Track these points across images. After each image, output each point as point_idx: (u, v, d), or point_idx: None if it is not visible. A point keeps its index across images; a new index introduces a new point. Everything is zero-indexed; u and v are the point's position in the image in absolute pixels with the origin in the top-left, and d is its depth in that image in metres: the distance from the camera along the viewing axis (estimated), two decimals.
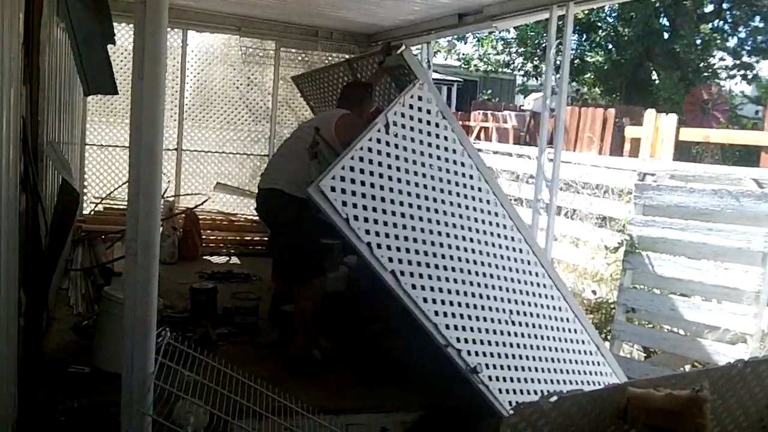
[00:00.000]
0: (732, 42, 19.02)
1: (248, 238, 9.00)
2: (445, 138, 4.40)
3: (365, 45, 9.82)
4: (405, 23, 8.62)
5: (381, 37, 9.42)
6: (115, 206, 9.19)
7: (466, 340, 4.12)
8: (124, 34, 8.64)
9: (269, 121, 10.39)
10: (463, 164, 4.46)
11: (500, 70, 22.90)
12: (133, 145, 2.97)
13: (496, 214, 4.57)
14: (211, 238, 9.05)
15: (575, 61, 19.21)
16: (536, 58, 19.96)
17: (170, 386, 2.98)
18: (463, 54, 23.94)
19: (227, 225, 9.55)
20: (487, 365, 4.14)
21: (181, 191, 10.03)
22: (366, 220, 3.91)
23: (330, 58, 9.81)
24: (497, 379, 4.17)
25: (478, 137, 13.75)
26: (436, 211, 4.25)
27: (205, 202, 9.38)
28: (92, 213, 9.35)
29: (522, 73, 22.61)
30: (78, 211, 8.32)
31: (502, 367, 4.23)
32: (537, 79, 20.73)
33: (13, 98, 3.53)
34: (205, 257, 8.56)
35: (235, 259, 8.67)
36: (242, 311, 5.82)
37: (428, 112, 4.33)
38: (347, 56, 8.60)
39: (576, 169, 9.16)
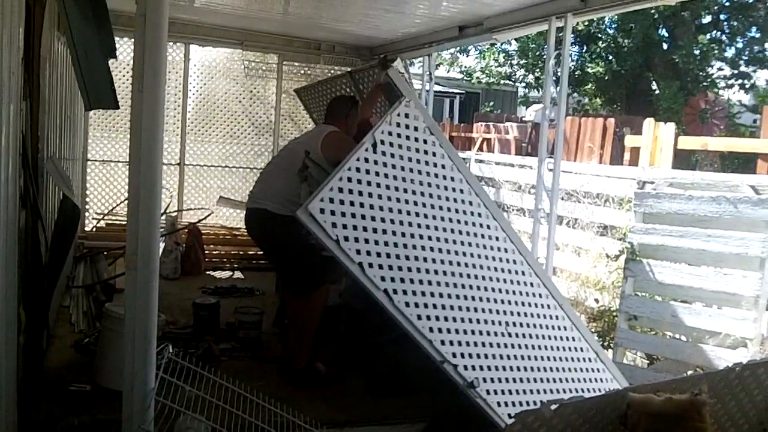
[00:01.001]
0: (730, 52, 19.00)
1: (251, 252, 8.95)
2: (434, 154, 4.41)
3: (368, 58, 9.82)
4: (406, 36, 8.62)
5: (383, 49, 9.42)
6: (117, 222, 9.17)
7: (462, 355, 4.09)
8: (126, 48, 8.63)
9: (272, 135, 10.38)
10: (452, 179, 4.46)
11: (502, 81, 22.89)
12: (133, 157, 2.95)
13: (488, 227, 4.56)
14: (214, 252, 9.03)
15: (576, 72, 19.20)
16: (537, 70, 19.90)
17: (172, 402, 2.94)
18: (466, 66, 23.96)
19: (230, 239, 9.52)
20: (484, 379, 4.11)
21: (183, 206, 10.02)
22: (356, 240, 3.89)
23: (332, 71, 9.80)
24: (495, 392, 4.13)
25: (480, 148, 13.75)
26: (428, 227, 4.24)
27: (208, 216, 9.35)
28: (94, 229, 9.34)
29: (524, 84, 22.60)
30: (79, 228, 8.31)
31: (500, 380, 4.20)
32: (538, 90, 20.70)
33: (13, 114, 3.50)
34: (208, 272, 8.54)
35: (238, 274, 8.65)
36: (246, 326, 5.78)
37: (416, 129, 4.34)
38: (349, 68, 8.59)
39: (577, 179, 9.15)
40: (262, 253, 7.74)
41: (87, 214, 9.62)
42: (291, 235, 4.71)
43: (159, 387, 3.05)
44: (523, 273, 4.66)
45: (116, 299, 5.66)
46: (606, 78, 19.39)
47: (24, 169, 3.93)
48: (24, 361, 4.15)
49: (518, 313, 4.51)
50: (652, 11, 16.69)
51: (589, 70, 19.31)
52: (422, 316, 4.02)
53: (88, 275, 7.41)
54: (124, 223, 3.06)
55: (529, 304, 4.61)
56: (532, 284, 4.68)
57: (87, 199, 9.67)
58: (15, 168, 3.61)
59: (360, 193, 3.98)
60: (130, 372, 3.01)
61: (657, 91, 18.67)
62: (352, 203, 3.93)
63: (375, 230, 3.99)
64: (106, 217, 9.56)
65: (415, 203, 4.23)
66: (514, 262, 4.63)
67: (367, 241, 3.93)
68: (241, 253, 9.10)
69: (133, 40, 3.18)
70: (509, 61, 21.92)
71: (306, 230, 3.81)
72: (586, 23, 18.04)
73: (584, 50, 19.70)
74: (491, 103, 24.88)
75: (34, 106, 4.25)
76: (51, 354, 5.13)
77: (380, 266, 3.94)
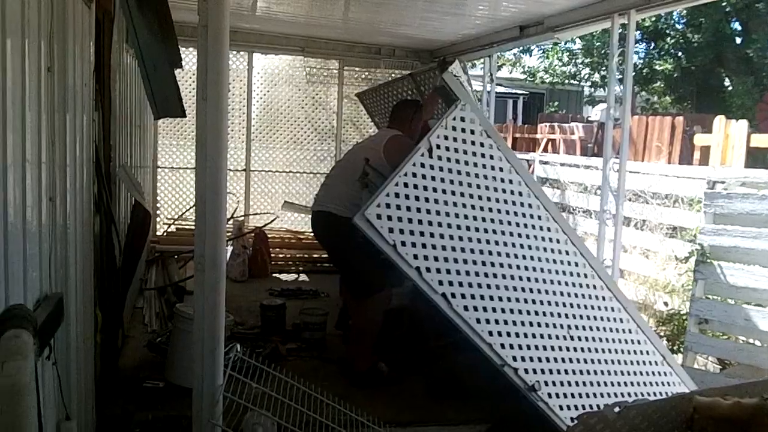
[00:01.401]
0: None
1: (316, 255, 9.07)
2: (491, 156, 4.41)
3: (428, 61, 9.86)
4: (467, 37, 8.64)
5: (443, 52, 9.46)
6: (187, 227, 9.38)
7: (522, 359, 4.09)
8: (191, 58, 8.86)
9: (334, 140, 10.50)
10: (510, 181, 4.47)
11: (567, 81, 22.68)
12: (199, 163, 3.07)
13: (549, 229, 4.55)
14: (280, 256, 9.18)
15: (643, 70, 18.91)
16: (603, 68, 19.66)
17: (239, 398, 3.04)
18: (529, 67, 23.81)
19: (295, 243, 9.66)
20: (546, 382, 4.09)
21: (250, 211, 10.20)
22: (414, 244, 3.93)
23: (393, 75, 9.86)
24: (557, 395, 4.12)
25: (545, 150, 13.65)
26: (485, 230, 4.25)
27: (273, 221, 9.52)
28: (165, 234, 9.58)
29: (589, 84, 22.37)
30: (151, 232, 8.54)
31: (562, 383, 4.18)
32: (604, 89, 20.43)
33: (86, 124, 3.67)
34: (274, 275, 8.68)
35: (303, 277, 8.77)
36: (311, 327, 5.89)
37: (472, 132, 4.35)
38: (411, 71, 8.63)
39: (644, 179, 9.01)
40: (326, 256, 7.88)
41: (158, 219, 9.87)
42: (354, 238, 4.80)
43: (227, 384, 3.16)
44: (586, 275, 4.63)
45: (187, 300, 5.83)
46: (675, 75, 19.04)
47: (97, 176, 4.10)
48: (101, 360, 4.33)
49: (580, 316, 4.49)
50: (724, 4, 16.30)
51: (657, 67, 18.97)
52: (481, 320, 4.04)
53: (160, 278, 7.62)
54: (194, 227, 3.18)
55: (592, 307, 4.58)
56: (594, 287, 4.65)
57: (158, 205, 9.92)
58: (89, 176, 3.78)
59: (416, 198, 4.03)
60: (200, 369, 3.13)
61: (729, 88, 18.26)
62: (408, 208, 3.98)
63: (432, 234, 4.03)
64: (176, 222, 9.80)
65: (473, 207, 4.25)
66: (576, 264, 4.62)
67: (424, 245, 3.97)
68: (306, 256, 9.23)
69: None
70: (574, 60, 21.70)
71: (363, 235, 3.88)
72: (653, 19, 17.72)
73: (652, 47, 19.36)
74: (556, 104, 24.65)
75: (105, 116, 4.43)
76: (126, 353, 5.32)
77: (438, 270, 3.98)
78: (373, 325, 5.15)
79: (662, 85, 19.94)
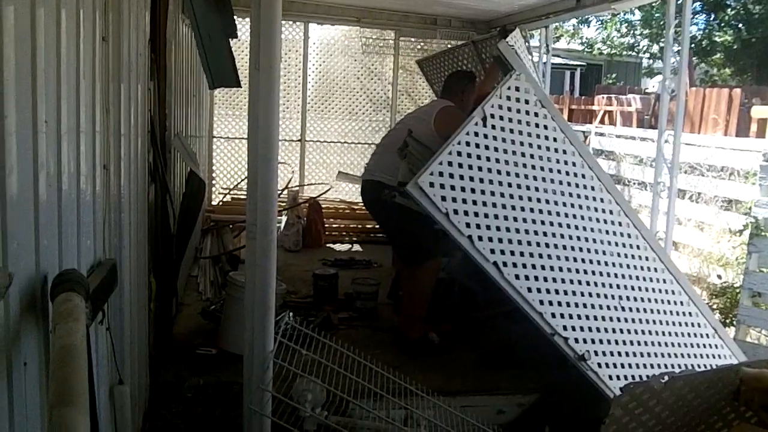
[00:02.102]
0: None
1: (369, 226, 9.09)
2: (545, 127, 4.37)
3: (484, 31, 9.75)
4: (523, 8, 8.52)
5: (499, 23, 9.35)
6: (242, 197, 9.48)
7: (573, 328, 4.09)
8: (247, 29, 8.87)
9: (389, 111, 10.48)
10: (564, 152, 4.42)
11: (625, 53, 22.29)
12: (251, 131, 3.09)
13: (602, 200, 4.50)
14: (334, 226, 9.22)
15: (703, 42, 18.50)
16: (662, 40, 19.21)
17: (290, 365, 3.07)
18: (587, 38, 23.43)
19: (349, 213, 9.70)
20: (596, 352, 4.09)
21: (304, 181, 10.26)
22: (466, 213, 3.93)
23: (448, 46, 9.80)
24: (607, 365, 4.11)
25: (602, 121, 13.47)
26: (538, 200, 4.22)
27: (327, 191, 9.57)
28: (220, 203, 9.70)
29: (647, 55, 21.97)
30: (206, 202, 8.65)
31: (612, 354, 4.17)
32: (663, 61, 20.10)
33: (141, 93, 3.71)
34: (328, 245, 8.74)
35: (356, 247, 8.82)
36: (363, 296, 5.92)
37: (526, 102, 4.31)
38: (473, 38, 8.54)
39: (700, 152, 8.88)
40: (379, 226, 7.91)
41: (213, 189, 9.99)
42: (403, 207, 4.80)
43: (278, 351, 3.19)
44: (638, 247, 4.58)
45: (241, 269, 5.89)
46: (735, 47, 18.59)
47: (152, 145, 4.15)
48: (154, 327, 4.42)
49: (632, 287, 4.45)
50: None
51: (717, 39, 18.55)
52: (532, 289, 4.03)
53: (214, 247, 7.73)
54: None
55: (644, 278, 4.54)
56: (647, 258, 4.60)
57: (213, 175, 10.03)
58: (144, 144, 3.84)
59: (470, 167, 4.01)
60: (251, 336, 3.17)
61: None
62: (461, 177, 3.97)
63: (485, 203, 4.02)
64: (231, 192, 9.91)
65: (526, 176, 4.22)
66: (629, 236, 4.57)
67: (476, 214, 3.97)
68: (359, 226, 9.26)
69: None
70: (632, 32, 21.32)
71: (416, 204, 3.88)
72: None
73: (712, 18, 18.93)
74: (613, 75, 24.26)
75: (161, 86, 4.47)
76: (180, 320, 5.42)
77: (490, 239, 3.97)
78: (424, 293, 5.15)
79: (722, 57, 19.48)
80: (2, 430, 1.64)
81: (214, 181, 10.02)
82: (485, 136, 4.10)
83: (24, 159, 1.80)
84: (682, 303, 4.65)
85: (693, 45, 17.07)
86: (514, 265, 4.00)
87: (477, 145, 4.07)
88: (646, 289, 4.51)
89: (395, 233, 5.49)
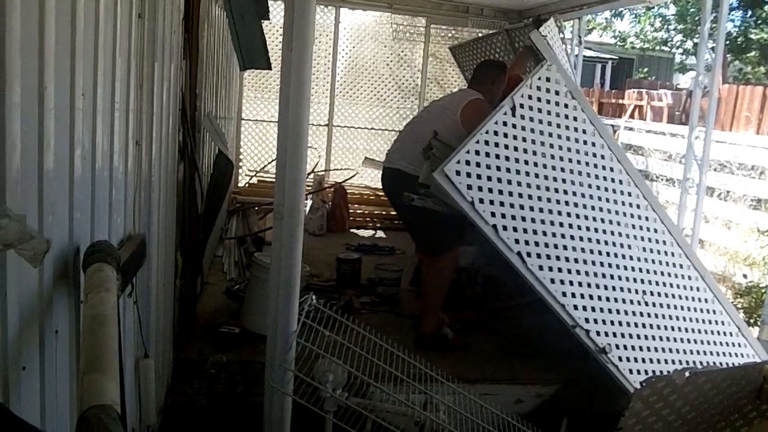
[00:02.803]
0: None
1: (393, 213, 9.05)
2: (575, 118, 4.35)
3: (516, 21, 9.70)
4: None
5: (532, 13, 9.27)
6: (269, 179, 9.52)
7: (595, 321, 4.09)
8: (279, 10, 8.90)
9: (417, 98, 10.47)
10: (593, 144, 4.40)
11: (657, 47, 22.09)
12: (282, 113, 3.11)
13: (629, 194, 4.48)
14: (358, 212, 9.24)
15: (738, 39, 18.27)
16: (696, 36, 19.05)
17: (312, 346, 3.10)
18: (619, 31, 23.25)
19: (374, 199, 9.71)
20: (617, 345, 4.09)
21: (331, 166, 10.29)
22: (491, 202, 3.93)
23: (480, 35, 9.77)
24: (628, 359, 4.12)
25: (632, 116, 13.40)
26: (564, 191, 4.21)
27: (353, 176, 9.58)
28: (247, 185, 9.74)
29: (681, 51, 21.76)
30: (233, 183, 8.70)
31: (633, 348, 4.17)
32: (696, 57, 19.89)
33: (173, 71, 3.75)
34: (351, 230, 8.75)
35: (380, 233, 8.82)
36: (385, 282, 5.95)
37: (557, 93, 4.29)
38: (506, 26, 8.50)
39: (731, 149, 8.80)
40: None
41: (241, 170, 10.04)
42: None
43: (301, 331, 3.22)
44: (664, 242, 4.57)
45: (265, 250, 5.93)
46: None
47: (182, 124, 4.19)
48: (179, 304, 4.47)
49: (656, 282, 4.44)
50: None
51: (752, 36, 18.31)
52: (555, 280, 4.04)
53: (240, 228, 7.77)
54: (274, 179, 3.23)
55: (669, 274, 4.52)
56: (673, 254, 4.58)
57: (241, 157, 10.08)
58: (174, 123, 3.87)
59: (497, 156, 4.01)
60: (275, 315, 3.20)
61: None
62: (488, 166, 3.97)
63: (510, 193, 4.02)
64: (258, 174, 9.95)
65: (553, 168, 4.21)
66: (655, 231, 4.55)
67: (502, 203, 3.97)
68: (383, 213, 9.26)
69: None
70: (666, 26, 21.12)
71: (436, 193, 3.87)
72: None
73: (749, 15, 18.68)
74: (645, 70, 24.05)
75: (192, 65, 4.50)
76: (204, 299, 5.47)
77: (515, 229, 3.98)
78: (442, 285, 5.12)
79: (757, 55, 19.23)
80: (33, 393, 1.68)
81: (241, 163, 10.06)
82: (513, 126, 4.10)
83: (61, 135, 1.84)
84: (706, 300, 4.64)
85: (728, 42, 16.87)
86: (538, 255, 4.00)
87: (505, 135, 4.07)
88: (671, 285, 4.50)
89: (413, 225, 5.44)
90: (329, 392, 3.10)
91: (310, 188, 8.48)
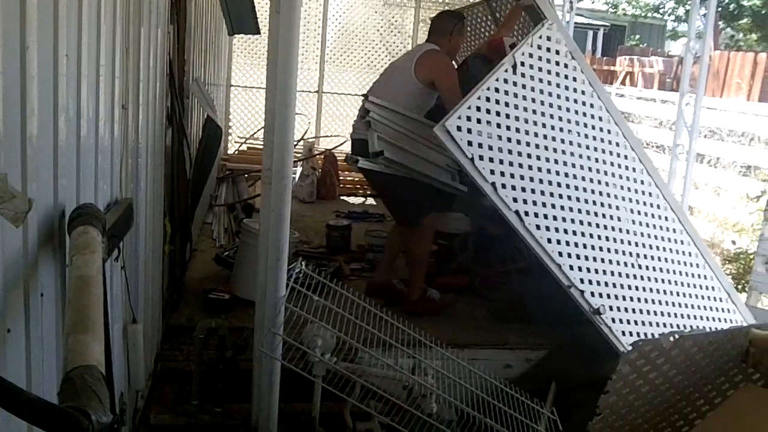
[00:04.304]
0: None
1: None
2: (574, 79, 4.32)
3: None
4: None
5: None
6: (258, 146, 9.48)
7: (590, 281, 4.08)
8: None
9: None
10: (592, 105, 4.37)
11: (650, 14, 22.01)
12: (270, 75, 3.08)
13: (626, 157, 4.47)
14: (348, 179, 9.23)
15: (730, 6, 18.22)
16: (688, 2, 18.97)
17: (300, 311, 3.10)
18: None
19: None
20: (611, 307, 4.09)
21: (321, 133, 10.25)
22: (491, 160, 3.89)
23: (471, 1, 9.69)
24: (621, 321, 4.12)
25: (623, 83, 13.39)
26: (563, 152, 4.19)
27: (343, 143, 9.54)
28: (236, 152, 9.71)
29: (672, 17, 21.69)
30: (222, 150, 8.66)
31: (626, 310, 4.17)
32: (688, 23, 19.80)
33: (160, 36, 3.71)
34: (342, 197, 8.75)
35: (370, 200, 8.80)
36: (375, 249, 5.96)
37: (557, 52, 4.26)
38: None
39: (721, 116, 8.80)
40: None
41: (230, 137, 9.99)
42: (387, 172, 4.70)
43: (289, 297, 3.22)
44: (659, 206, 4.57)
45: (255, 218, 5.92)
46: (763, 12, 18.29)
47: (170, 89, 4.15)
48: (169, 270, 4.46)
49: (650, 246, 4.45)
50: None
51: (744, 2, 18.25)
52: (552, 240, 4.02)
53: (229, 195, 7.76)
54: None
55: (662, 238, 4.53)
56: (666, 218, 4.59)
57: (230, 124, 10.03)
58: (162, 88, 3.84)
59: (497, 114, 3.97)
60: (263, 280, 3.19)
61: None
62: (488, 123, 3.92)
63: (510, 151, 3.98)
64: (247, 141, 9.91)
65: (552, 127, 4.18)
66: (650, 194, 4.55)
67: (501, 161, 3.93)
68: None
69: None
70: None
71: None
72: None
73: None
74: (637, 37, 23.97)
75: (180, 30, 4.45)
76: (193, 265, 5.46)
77: (513, 187, 3.95)
78: (422, 253, 5.04)
79: (749, 22, 19.18)
80: (18, 355, 1.68)
81: (230, 130, 10.02)
82: (514, 84, 4.06)
83: (45, 101, 1.82)
84: (698, 265, 4.66)
85: (720, 8, 16.80)
86: (536, 215, 3.98)
87: (506, 92, 4.02)
88: (664, 249, 4.51)
89: (385, 197, 5.32)
90: (318, 357, 3.10)
91: (299, 155, 8.45)
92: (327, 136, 10.19)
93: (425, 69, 4.72)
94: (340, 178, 8.94)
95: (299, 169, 8.39)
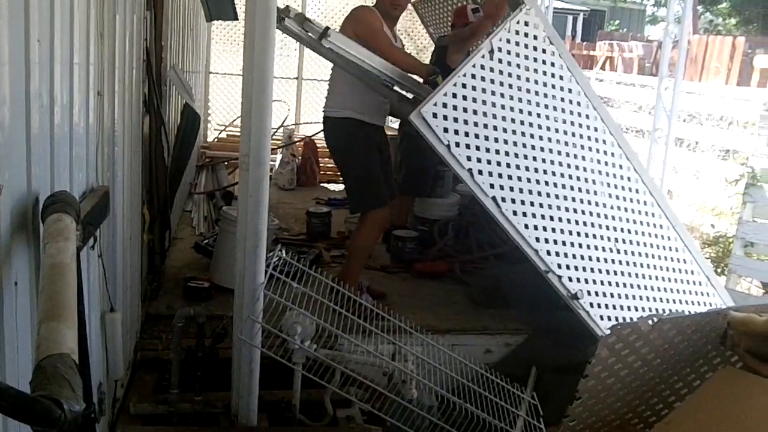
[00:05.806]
0: None
1: None
2: (552, 64, 4.31)
3: None
4: None
5: None
6: (238, 134, 9.41)
7: (567, 267, 4.09)
8: None
9: None
10: (570, 91, 4.37)
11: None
12: (247, 59, 3.06)
13: (604, 142, 4.47)
14: (329, 166, 9.17)
15: None
16: None
17: (279, 298, 3.09)
18: None
19: None
20: (589, 292, 4.09)
21: (301, 120, 10.20)
22: (468, 146, 3.88)
23: None
24: (599, 305, 4.12)
25: (602, 67, 13.42)
26: (540, 137, 4.18)
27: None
28: (216, 140, 9.66)
29: (652, 2, 21.75)
30: (201, 138, 8.61)
31: (605, 294, 4.18)
32: (667, 7, 19.83)
33: (136, 23, 3.67)
34: (322, 184, 8.72)
35: None
36: None
37: (535, 38, 4.24)
38: None
39: (700, 100, 8.83)
40: None
41: (209, 125, 9.93)
42: (349, 142, 4.61)
43: (269, 284, 3.20)
44: (637, 191, 4.58)
45: (234, 205, 5.89)
46: None
47: (148, 76, 4.11)
48: (148, 258, 4.44)
49: (629, 230, 4.46)
50: None
51: None
52: (529, 226, 4.02)
53: (209, 183, 7.73)
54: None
55: (641, 223, 4.54)
56: (645, 203, 4.60)
57: (209, 111, 9.97)
58: (138, 75, 3.80)
59: (474, 100, 3.95)
60: (242, 266, 3.18)
61: None
62: (465, 109, 3.90)
63: (487, 138, 3.97)
64: (226, 129, 9.86)
65: (529, 113, 4.17)
66: (629, 179, 4.56)
67: (478, 148, 3.92)
68: None
69: None
70: None
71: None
72: None
73: None
74: (616, 22, 24.03)
75: (157, 17, 4.40)
76: (173, 253, 5.44)
77: (490, 173, 3.94)
78: (362, 248, 4.78)
79: (728, 7, 19.27)
80: None
81: (210, 118, 9.96)
82: (491, 70, 4.04)
83: (17, 88, 1.79)
84: (677, 249, 4.67)
85: None
86: (513, 201, 3.97)
87: (483, 78, 4.00)
88: (643, 233, 4.52)
89: (342, 173, 5.01)
90: (297, 344, 3.09)
91: (279, 142, 8.42)
92: (307, 123, 10.14)
93: (350, 24, 4.69)
94: (321, 165, 8.91)
95: (279, 156, 8.35)
